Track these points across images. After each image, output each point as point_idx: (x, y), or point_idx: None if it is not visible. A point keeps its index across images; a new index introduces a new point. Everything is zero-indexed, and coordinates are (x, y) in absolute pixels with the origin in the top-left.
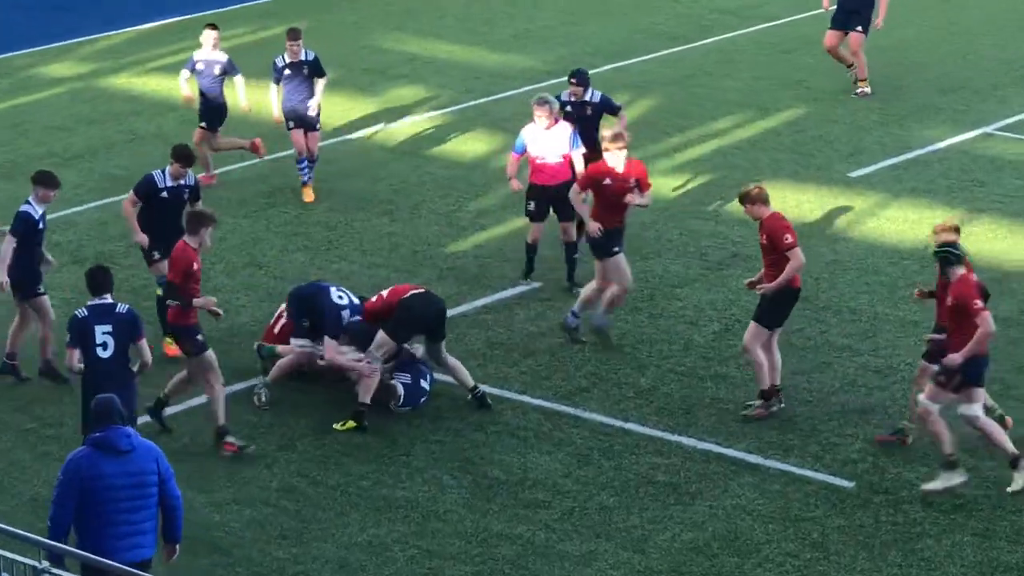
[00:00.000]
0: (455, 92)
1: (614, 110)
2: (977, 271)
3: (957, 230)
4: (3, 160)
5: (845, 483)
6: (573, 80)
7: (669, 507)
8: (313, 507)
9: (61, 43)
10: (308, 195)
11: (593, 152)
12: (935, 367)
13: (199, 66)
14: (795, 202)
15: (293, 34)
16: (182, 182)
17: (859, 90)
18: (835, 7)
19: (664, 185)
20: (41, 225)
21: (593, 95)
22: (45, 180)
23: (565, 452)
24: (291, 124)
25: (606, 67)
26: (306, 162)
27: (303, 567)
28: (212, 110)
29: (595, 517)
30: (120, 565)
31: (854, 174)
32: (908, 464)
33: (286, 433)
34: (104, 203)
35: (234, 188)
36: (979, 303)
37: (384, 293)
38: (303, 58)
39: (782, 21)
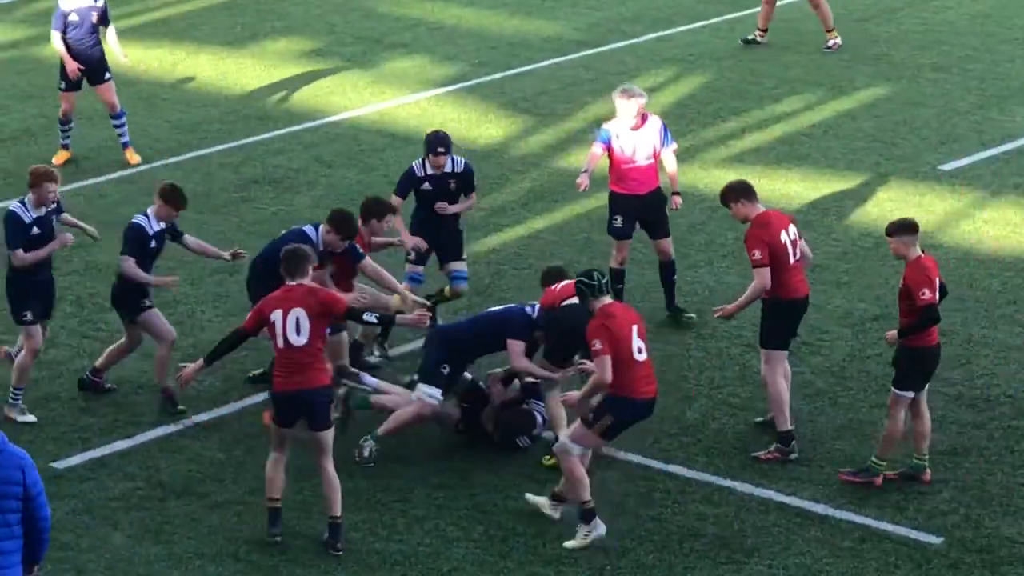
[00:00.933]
0: (466, 65)
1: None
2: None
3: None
4: None
5: (932, 539)
6: (440, 149)
7: (720, 566)
8: (291, 563)
9: None
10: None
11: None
12: None
13: (72, 18)
14: (875, 200)
15: None
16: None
17: (830, 42)
18: None
19: (718, 178)
20: (154, 243)
21: (456, 164)
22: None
23: (595, 499)
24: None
25: (648, 36)
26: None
27: None
28: (93, 69)
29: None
30: None
31: (946, 167)
32: (1008, 516)
33: (260, 474)
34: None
35: (200, 179)
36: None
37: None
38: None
39: None
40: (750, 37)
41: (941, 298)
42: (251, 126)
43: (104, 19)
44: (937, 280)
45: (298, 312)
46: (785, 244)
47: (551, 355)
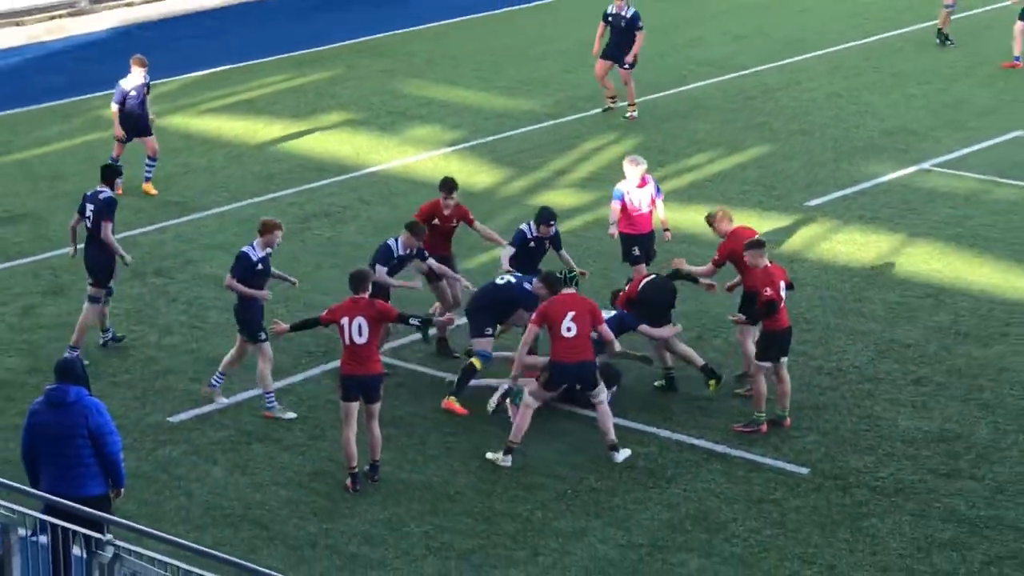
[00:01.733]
0: (466, 131)
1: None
2: (915, 288)
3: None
4: (75, 187)
5: (801, 470)
6: (552, 222)
7: (648, 490)
8: (341, 489)
9: None
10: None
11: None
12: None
13: (132, 93)
14: (760, 227)
15: None
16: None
17: (628, 114)
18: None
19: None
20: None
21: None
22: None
23: (561, 442)
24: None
25: (596, 110)
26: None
27: (332, 540)
28: (141, 127)
29: (585, 498)
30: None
31: (810, 203)
32: (856, 453)
33: (318, 425)
34: (160, 226)
35: (273, 214)
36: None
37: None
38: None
39: (747, 72)
40: (627, 115)
41: (789, 290)
42: (310, 175)
43: (148, 91)
44: (780, 282)
45: (360, 320)
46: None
47: (649, 320)
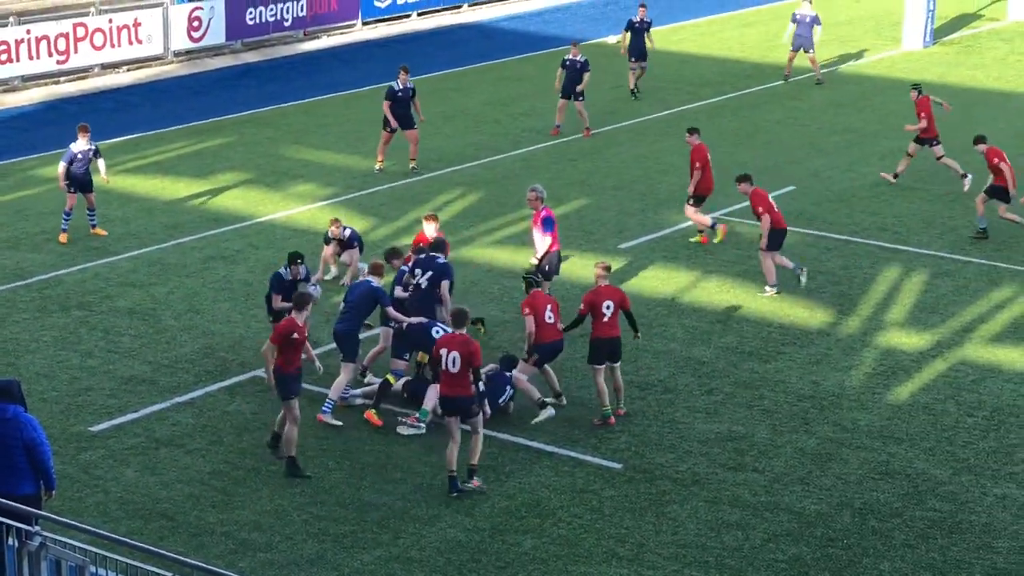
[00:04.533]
0: (338, 188)
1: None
2: (708, 314)
3: (608, 269)
4: (8, 236)
5: (615, 465)
6: (299, 261)
7: (490, 483)
8: (235, 485)
9: (53, 151)
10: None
11: None
12: None
13: (79, 156)
14: (580, 265)
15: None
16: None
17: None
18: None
19: (487, 254)
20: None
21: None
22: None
23: (417, 443)
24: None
25: (446, 169)
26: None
27: (227, 528)
28: (84, 184)
29: (438, 490)
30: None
31: (621, 246)
32: (660, 451)
33: (216, 432)
34: (82, 267)
35: (178, 256)
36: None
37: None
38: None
39: (570, 138)
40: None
41: (624, 310)
42: (209, 224)
43: (96, 155)
44: (595, 301)
45: (455, 354)
46: None
47: None
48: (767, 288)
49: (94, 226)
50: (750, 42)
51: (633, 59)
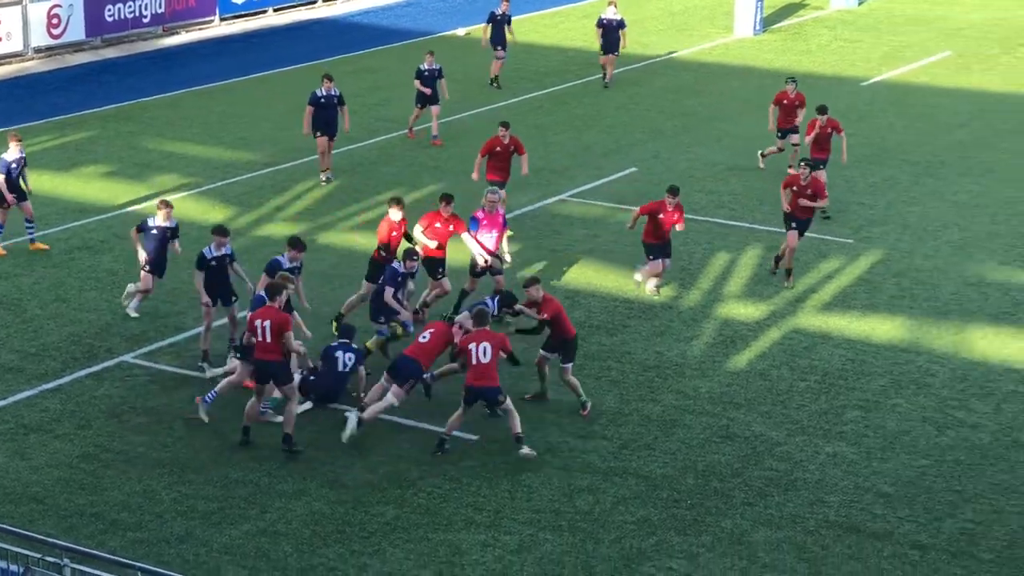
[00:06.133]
0: (200, 178)
1: None
2: (557, 292)
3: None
4: None
5: (472, 437)
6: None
7: (353, 457)
8: (104, 467)
9: None
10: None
11: None
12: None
13: (13, 165)
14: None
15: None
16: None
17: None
18: None
19: (346, 240)
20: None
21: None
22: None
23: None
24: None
25: (305, 159)
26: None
27: (97, 509)
28: (19, 192)
29: (302, 465)
30: None
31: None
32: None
33: (84, 417)
34: None
35: (50, 245)
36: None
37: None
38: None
39: (424, 126)
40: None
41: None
42: (74, 215)
43: (24, 163)
44: (553, 310)
45: (485, 344)
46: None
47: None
48: (643, 278)
49: (33, 240)
50: (591, 33)
51: (500, 48)
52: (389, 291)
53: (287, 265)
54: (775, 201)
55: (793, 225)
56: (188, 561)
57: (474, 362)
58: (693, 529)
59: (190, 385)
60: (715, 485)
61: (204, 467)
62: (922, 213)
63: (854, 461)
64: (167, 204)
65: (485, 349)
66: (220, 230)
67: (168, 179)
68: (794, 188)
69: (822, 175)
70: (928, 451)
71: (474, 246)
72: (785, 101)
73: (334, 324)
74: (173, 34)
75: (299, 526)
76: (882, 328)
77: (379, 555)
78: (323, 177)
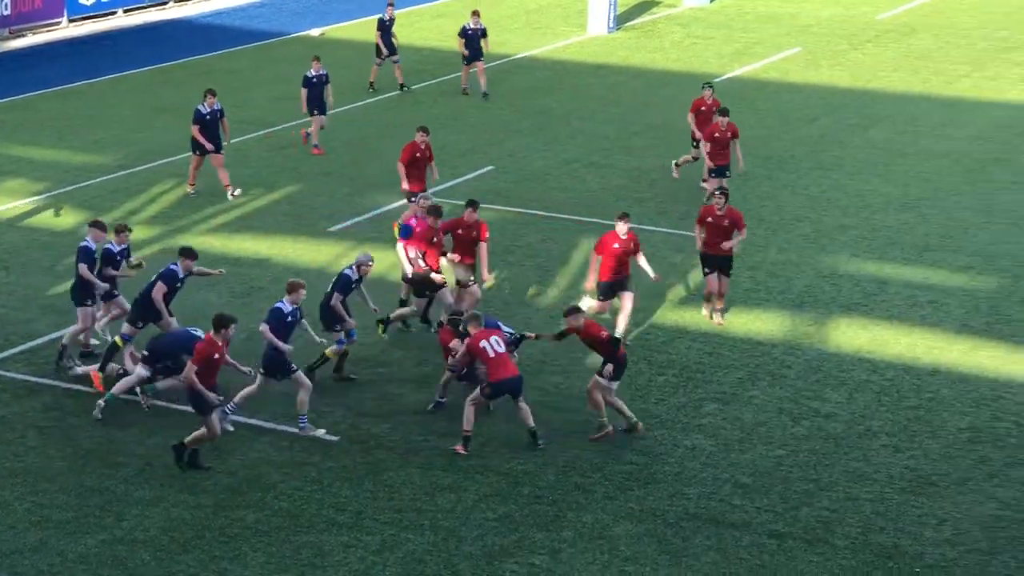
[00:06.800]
0: (50, 182)
1: None
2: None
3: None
4: None
5: (333, 438)
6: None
7: (212, 460)
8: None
9: None
10: None
11: None
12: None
13: None
14: (292, 250)
15: None
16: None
17: (234, 192)
18: None
19: (202, 242)
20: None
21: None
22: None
23: (138, 427)
24: None
25: (159, 162)
26: None
27: None
28: None
29: (161, 472)
30: None
31: (331, 229)
32: (375, 423)
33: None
34: None
35: None
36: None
37: None
38: None
39: (283, 126)
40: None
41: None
42: None
43: None
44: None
45: (495, 336)
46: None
47: None
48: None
49: None
50: (448, 31)
51: (471, 60)
52: (337, 297)
53: (182, 275)
54: (632, 198)
55: (707, 270)
56: (43, 572)
57: (491, 355)
58: (555, 524)
59: (42, 393)
60: (576, 480)
61: (58, 476)
62: (775, 207)
63: (712, 453)
64: (126, 228)
65: (496, 340)
66: (98, 224)
67: (17, 184)
68: (708, 220)
69: (725, 182)
70: (784, 441)
71: (403, 256)
72: (703, 108)
73: (380, 327)
74: (20, 36)
75: (157, 533)
76: (738, 321)
77: (240, 559)
78: (190, 190)
